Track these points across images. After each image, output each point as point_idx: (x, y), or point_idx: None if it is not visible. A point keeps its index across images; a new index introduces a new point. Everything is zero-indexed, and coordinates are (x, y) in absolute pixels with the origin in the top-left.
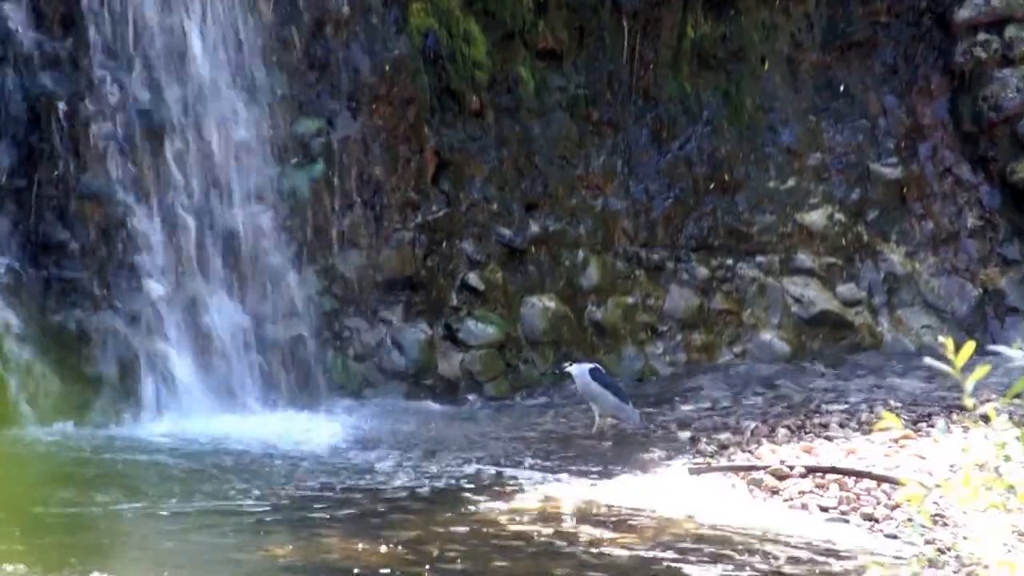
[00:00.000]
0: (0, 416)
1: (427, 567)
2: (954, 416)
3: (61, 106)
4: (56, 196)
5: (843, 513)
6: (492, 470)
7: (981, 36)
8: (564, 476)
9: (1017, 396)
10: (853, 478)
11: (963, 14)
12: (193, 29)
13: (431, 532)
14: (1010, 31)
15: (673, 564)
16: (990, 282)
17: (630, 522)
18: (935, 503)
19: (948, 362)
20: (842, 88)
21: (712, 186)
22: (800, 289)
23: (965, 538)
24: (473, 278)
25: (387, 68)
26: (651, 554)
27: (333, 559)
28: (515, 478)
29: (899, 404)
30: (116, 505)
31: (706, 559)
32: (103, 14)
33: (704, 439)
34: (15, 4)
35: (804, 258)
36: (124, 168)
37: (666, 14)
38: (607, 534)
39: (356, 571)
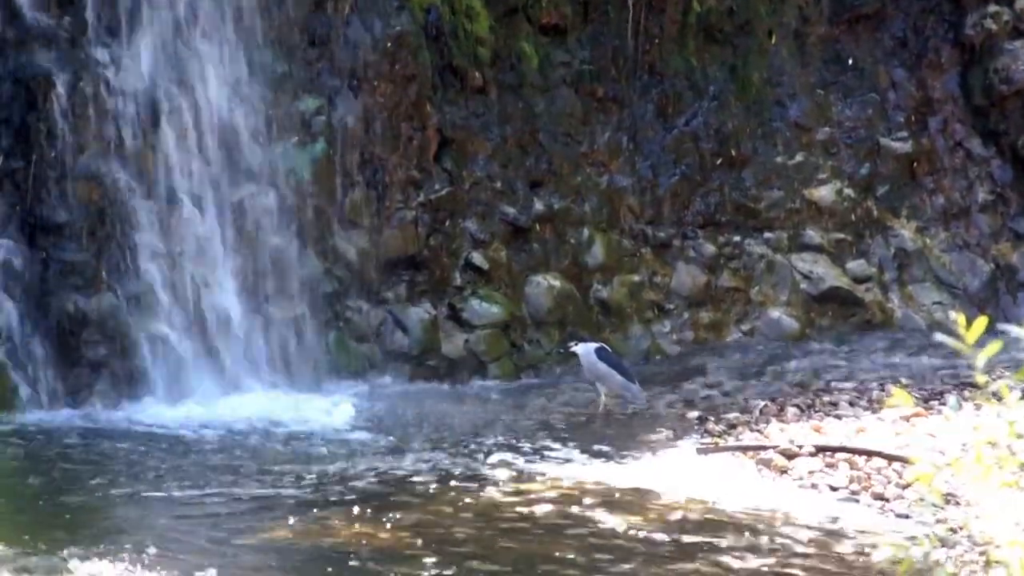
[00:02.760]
0: None
1: (432, 549)
2: (966, 393)
3: (59, 86)
4: (54, 177)
5: (853, 493)
6: (497, 451)
7: (992, 8)
8: (570, 457)
9: None
10: (863, 457)
11: None
12: (192, 7)
13: (436, 514)
14: (1021, 2)
15: (681, 545)
16: (1002, 257)
17: (637, 503)
18: (946, 482)
19: (959, 339)
20: (851, 61)
21: (719, 162)
22: (809, 266)
23: (977, 517)
24: (477, 257)
25: (388, 45)
26: (658, 535)
27: (336, 543)
28: (521, 459)
29: (910, 381)
30: (113, 488)
31: (714, 540)
32: None
33: (712, 418)
34: None
35: (813, 234)
36: (123, 148)
37: None
38: (614, 515)
39: (360, 554)
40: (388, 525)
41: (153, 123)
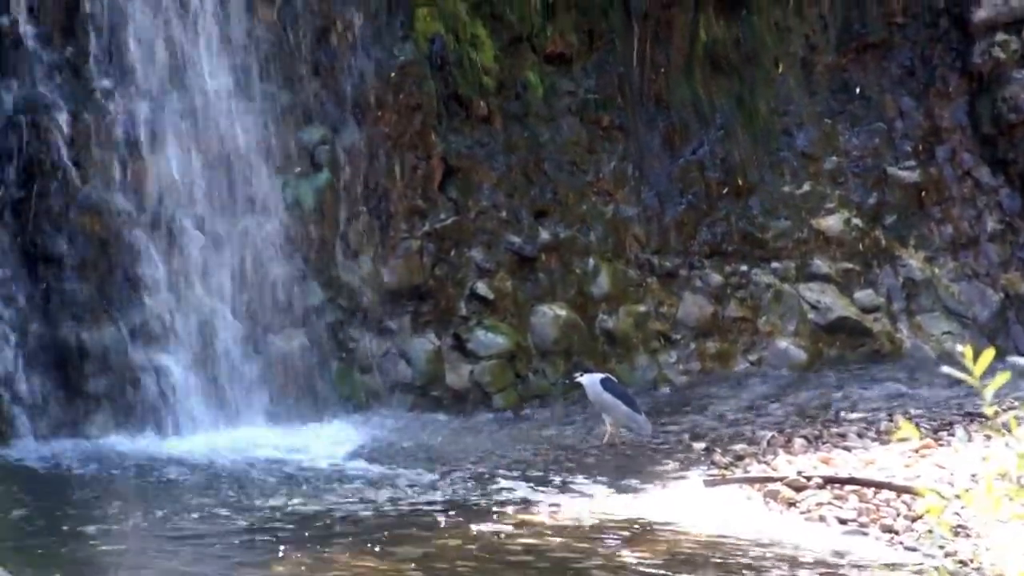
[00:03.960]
0: None
1: None
2: (975, 425)
3: (61, 117)
4: (56, 208)
5: (862, 525)
6: (502, 483)
7: (999, 37)
8: (576, 488)
9: None
10: (872, 489)
11: (981, 14)
12: (195, 38)
13: (440, 547)
14: None
15: None
16: (1011, 287)
17: (644, 535)
18: (956, 514)
19: (967, 370)
20: (858, 90)
21: (726, 191)
22: (816, 295)
23: (987, 549)
24: (482, 287)
25: (393, 74)
26: (665, 569)
27: None
28: (526, 490)
29: (919, 412)
30: (112, 522)
31: (723, 573)
32: (104, 24)
33: (719, 450)
34: (15, 15)
35: (820, 264)
36: (125, 179)
37: (677, 16)
38: (621, 548)
39: None
40: (392, 559)
41: (156, 154)
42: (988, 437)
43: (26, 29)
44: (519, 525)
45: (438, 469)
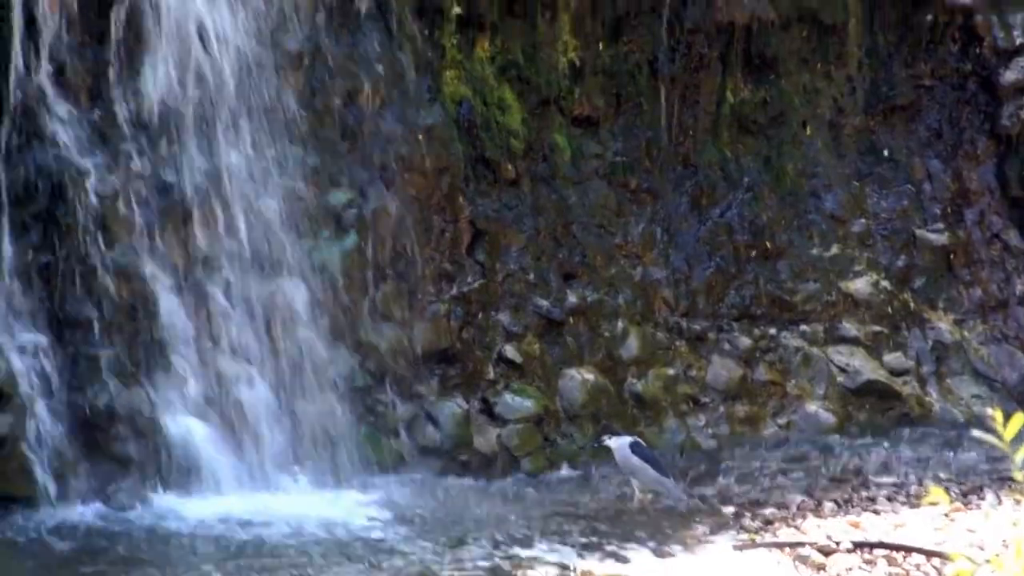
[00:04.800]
0: (25, 496)
1: None
2: (1005, 489)
3: (87, 180)
4: (82, 271)
5: None
6: (530, 549)
7: None
8: (604, 554)
9: None
10: (902, 553)
11: (1009, 76)
12: (221, 101)
13: None
14: None
15: None
16: None
17: None
18: None
19: (997, 434)
20: (886, 153)
21: (754, 254)
22: (846, 358)
23: None
24: (510, 350)
25: (420, 137)
26: None
27: None
28: (555, 555)
29: (949, 476)
30: None
31: None
32: (130, 87)
33: (748, 514)
34: (42, 77)
35: (849, 327)
36: (151, 243)
37: (705, 79)
38: None
39: None
40: None
41: (183, 216)
42: (1018, 502)
43: (52, 92)
44: None
45: (467, 533)
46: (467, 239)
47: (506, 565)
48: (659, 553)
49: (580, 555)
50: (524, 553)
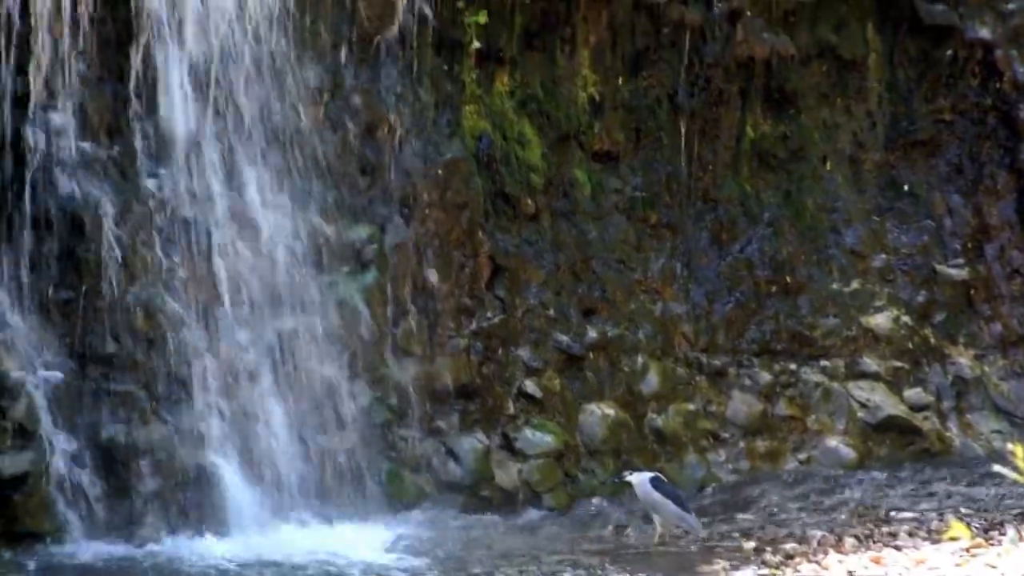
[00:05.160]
0: (47, 531)
1: None
2: None
3: (108, 215)
4: (104, 307)
5: None
6: None
7: None
8: None
9: None
10: None
11: None
12: (241, 136)
13: None
14: None
15: None
16: None
17: None
18: None
19: (1018, 469)
20: (906, 188)
21: (774, 289)
22: (866, 394)
23: None
24: (530, 385)
25: (440, 172)
26: None
27: None
28: None
29: (969, 512)
30: None
31: None
32: (149, 122)
33: (769, 549)
34: (62, 113)
35: (869, 362)
36: (173, 277)
37: (724, 114)
38: None
39: None
40: None
41: (204, 252)
42: None
43: (73, 128)
44: None
45: (489, 569)
46: (487, 274)
47: None
48: None
49: None
50: None
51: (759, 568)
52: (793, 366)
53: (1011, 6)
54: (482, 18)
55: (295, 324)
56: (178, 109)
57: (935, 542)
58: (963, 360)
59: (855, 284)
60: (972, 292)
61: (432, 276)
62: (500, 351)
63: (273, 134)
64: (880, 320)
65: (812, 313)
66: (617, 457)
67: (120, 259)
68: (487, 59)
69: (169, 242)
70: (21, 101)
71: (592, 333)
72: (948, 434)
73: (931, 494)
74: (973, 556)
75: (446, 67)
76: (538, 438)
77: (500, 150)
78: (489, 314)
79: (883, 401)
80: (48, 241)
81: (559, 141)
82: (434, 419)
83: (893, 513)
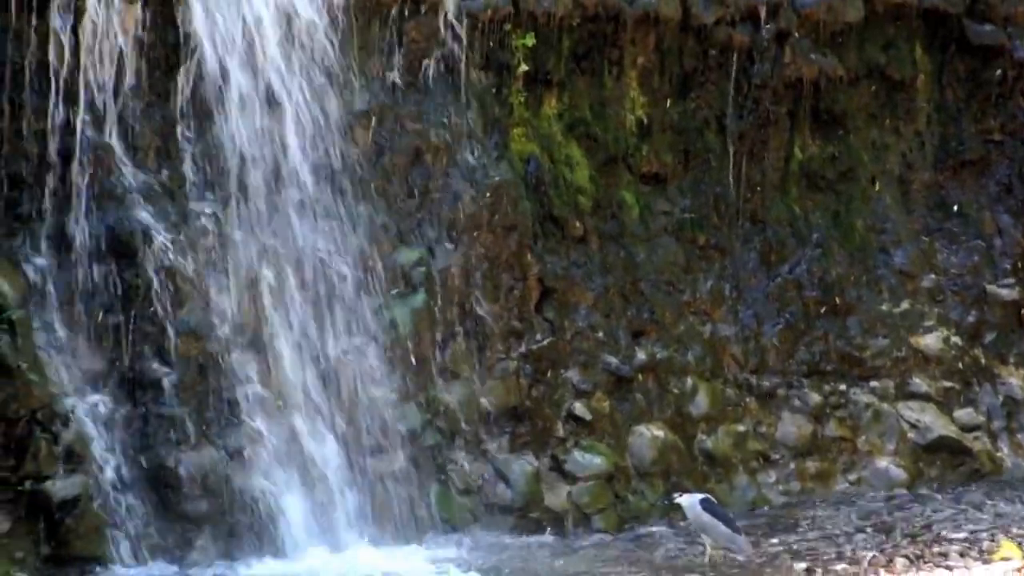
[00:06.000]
0: (98, 556)
1: None
2: None
3: (157, 240)
4: (153, 332)
5: None
6: None
7: None
8: None
9: None
10: None
11: None
12: (290, 160)
13: None
14: None
15: None
16: None
17: None
18: None
19: None
20: (955, 208)
21: (823, 310)
22: (916, 414)
23: None
24: (579, 407)
25: (488, 195)
26: None
27: None
28: None
29: (1021, 532)
30: None
31: None
32: (199, 147)
33: (820, 570)
34: (111, 138)
35: (919, 382)
36: (222, 302)
37: (773, 135)
38: None
39: None
40: None
41: (253, 276)
42: None
43: (120, 152)
44: None
45: None
46: (536, 296)
47: None
48: None
49: None
50: None
51: None
52: (843, 387)
53: None
54: (530, 41)
55: (344, 347)
56: (226, 133)
57: (986, 562)
58: (1013, 380)
59: (905, 304)
60: (1022, 312)
61: (481, 299)
62: (549, 373)
63: (322, 159)
64: (930, 340)
65: (862, 334)
66: (667, 479)
67: (169, 284)
68: (535, 82)
69: (218, 266)
70: (70, 127)
71: (641, 355)
72: (999, 454)
73: (982, 514)
74: None
75: (494, 90)
76: (588, 460)
77: (548, 172)
78: (538, 336)
79: (933, 422)
80: (98, 266)
81: (607, 163)
82: (483, 441)
83: (944, 533)
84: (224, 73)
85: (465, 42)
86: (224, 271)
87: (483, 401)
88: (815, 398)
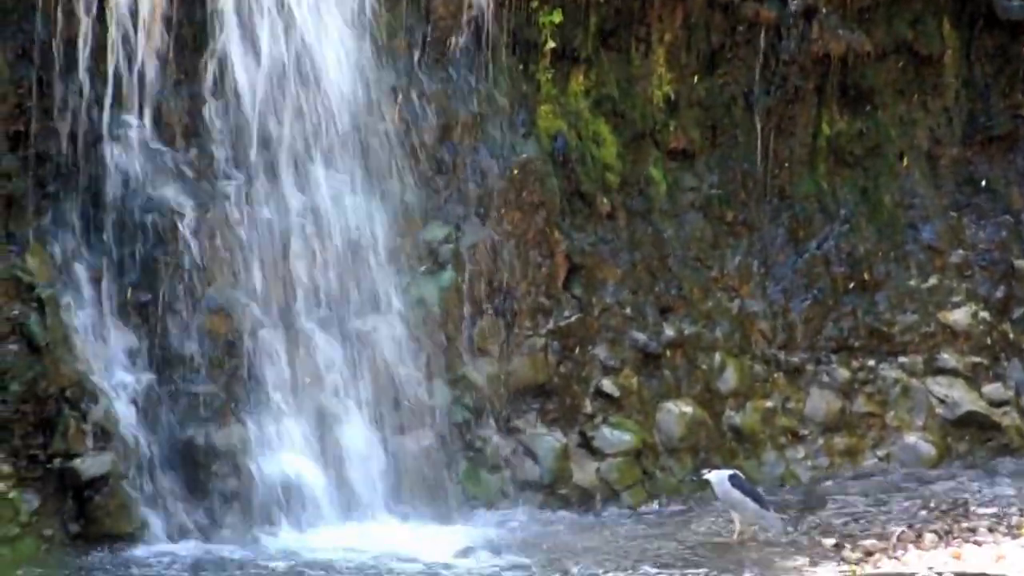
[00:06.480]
0: (127, 533)
1: None
2: None
3: (185, 219)
4: (182, 309)
5: None
6: None
7: None
8: None
9: None
10: None
11: None
12: (317, 138)
13: None
14: None
15: None
16: None
17: None
18: None
19: None
20: (983, 183)
21: (851, 286)
22: (945, 390)
23: None
24: (607, 384)
25: (516, 172)
26: None
27: None
28: None
29: None
30: None
31: None
32: (226, 125)
33: (849, 545)
34: (139, 117)
35: (948, 358)
36: (250, 280)
37: (800, 111)
38: None
39: None
40: None
41: (281, 254)
42: None
43: (149, 132)
44: None
45: (569, 568)
46: (563, 273)
47: None
48: None
49: None
50: None
51: (838, 564)
52: (871, 362)
53: None
54: (557, 17)
55: (372, 324)
56: (255, 111)
57: (1015, 537)
58: None
59: (933, 280)
60: None
61: (508, 275)
62: (577, 350)
63: (349, 136)
64: (958, 316)
65: (890, 309)
66: (695, 455)
67: (198, 261)
68: (562, 58)
69: (246, 244)
70: (98, 105)
71: (669, 331)
72: None
73: (1010, 489)
74: None
75: (521, 67)
76: (616, 436)
77: (575, 149)
78: (566, 313)
79: (962, 397)
80: (127, 245)
81: (634, 140)
82: (511, 418)
83: (973, 508)
84: (251, 50)
85: (492, 19)
86: (252, 249)
87: (511, 378)
88: (843, 374)
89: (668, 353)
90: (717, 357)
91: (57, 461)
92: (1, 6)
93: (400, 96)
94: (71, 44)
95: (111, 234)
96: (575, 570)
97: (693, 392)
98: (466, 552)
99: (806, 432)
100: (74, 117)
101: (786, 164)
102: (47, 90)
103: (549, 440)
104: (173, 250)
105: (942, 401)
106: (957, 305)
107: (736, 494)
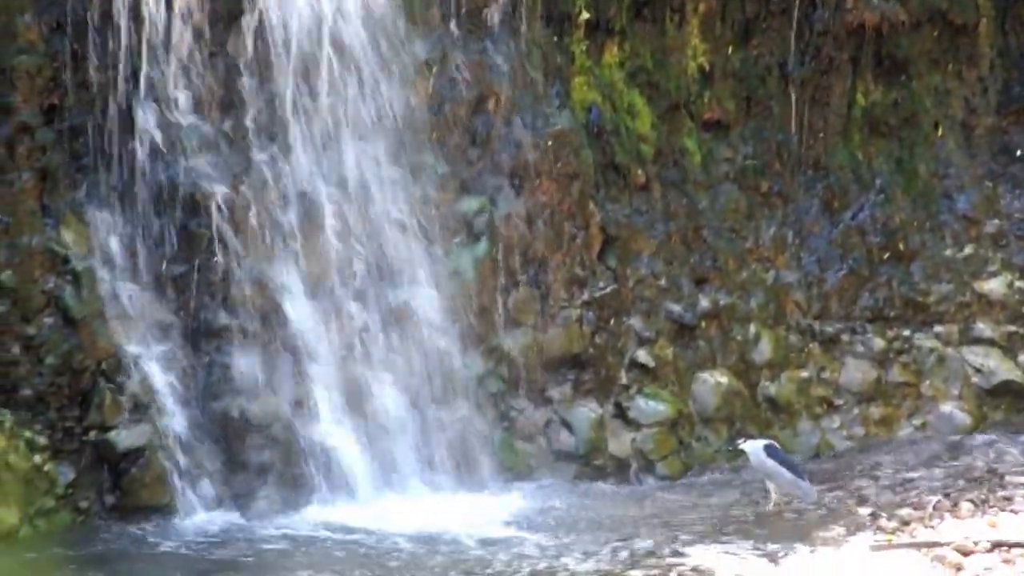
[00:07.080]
0: (163, 504)
1: None
2: None
3: (220, 190)
4: (217, 281)
5: None
6: (667, 550)
7: None
8: (742, 555)
9: None
10: None
11: None
12: (352, 110)
13: None
14: None
15: None
16: None
17: None
18: None
19: None
20: (1019, 152)
21: (886, 256)
22: (980, 359)
23: None
24: (642, 355)
25: (550, 143)
26: None
27: None
28: (693, 558)
29: None
30: None
31: None
32: (260, 97)
33: (884, 515)
34: (174, 89)
35: (983, 327)
36: (285, 251)
37: (835, 82)
38: None
39: None
40: None
41: (315, 225)
42: None
43: (183, 104)
44: None
45: (604, 537)
46: (598, 245)
47: (645, 566)
48: (798, 554)
49: (718, 556)
50: (668, 555)
51: (874, 534)
52: (907, 332)
53: None
54: None
55: (407, 295)
56: (289, 84)
57: None
58: None
59: (968, 250)
60: None
61: (543, 247)
62: (612, 321)
63: (384, 108)
64: (993, 285)
65: (925, 279)
66: (731, 425)
67: (233, 233)
68: (596, 30)
69: (281, 216)
70: (134, 78)
71: (704, 302)
72: None
73: None
74: None
75: (555, 39)
76: (651, 407)
77: (610, 121)
78: (601, 284)
79: (997, 366)
80: (162, 216)
81: (669, 111)
82: (546, 389)
83: (1009, 478)
84: (285, 23)
85: None
86: (287, 220)
87: (546, 349)
88: (879, 343)
89: (703, 324)
90: (752, 328)
91: (93, 433)
92: None
93: (434, 68)
94: (106, 17)
95: (146, 207)
96: (613, 541)
97: (728, 363)
98: (503, 524)
99: (841, 402)
100: (109, 90)
101: (821, 135)
102: (81, 63)
103: (584, 411)
104: (207, 222)
105: (977, 370)
106: (992, 275)
107: (771, 464)
